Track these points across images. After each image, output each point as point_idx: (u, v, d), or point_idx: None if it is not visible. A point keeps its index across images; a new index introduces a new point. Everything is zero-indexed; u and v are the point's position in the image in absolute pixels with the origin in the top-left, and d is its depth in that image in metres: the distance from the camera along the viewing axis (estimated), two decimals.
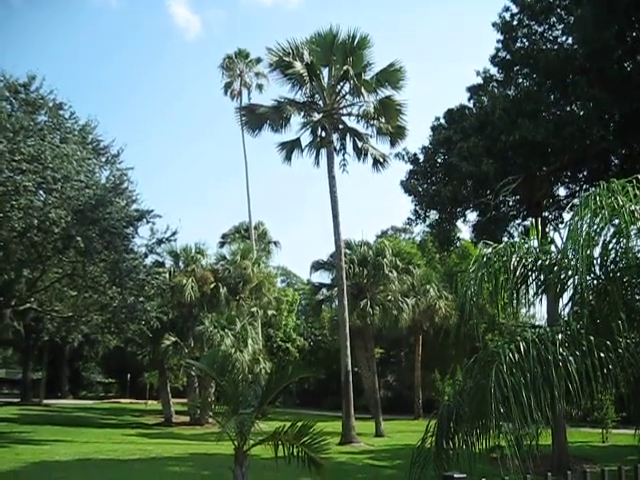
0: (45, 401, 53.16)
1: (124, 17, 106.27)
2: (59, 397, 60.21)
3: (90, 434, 28.58)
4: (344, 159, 30.78)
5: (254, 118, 31.02)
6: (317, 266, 38.93)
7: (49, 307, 31.91)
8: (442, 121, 23.86)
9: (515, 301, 7.91)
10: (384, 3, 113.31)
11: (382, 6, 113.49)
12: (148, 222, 28.99)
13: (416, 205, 23.82)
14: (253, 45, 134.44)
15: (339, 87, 30.06)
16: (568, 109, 20.08)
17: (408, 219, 24.45)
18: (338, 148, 30.66)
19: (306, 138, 30.88)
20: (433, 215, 24.46)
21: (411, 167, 24.17)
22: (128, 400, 60.51)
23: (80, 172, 25.43)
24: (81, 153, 26.08)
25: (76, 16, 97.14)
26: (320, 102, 30.46)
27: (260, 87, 50.21)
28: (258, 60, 49.17)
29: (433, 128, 23.97)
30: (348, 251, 36.44)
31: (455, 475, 4.81)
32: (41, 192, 24.61)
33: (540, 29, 21.14)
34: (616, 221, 6.91)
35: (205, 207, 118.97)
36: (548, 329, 6.99)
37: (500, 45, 21.73)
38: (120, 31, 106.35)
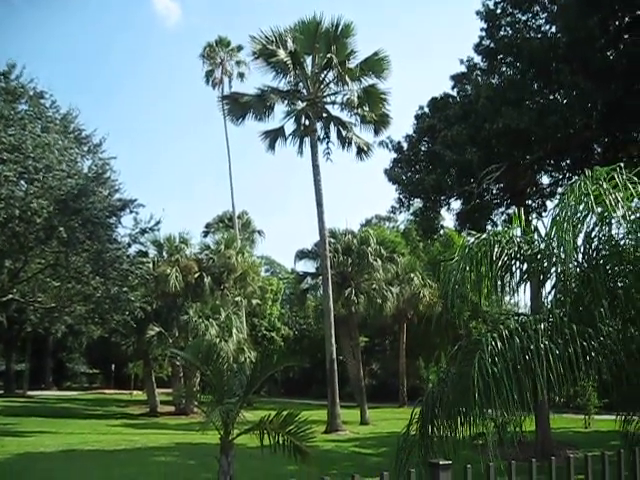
0: (29, 392, 52.88)
1: (102, 4, 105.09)
2: (43, 388, 59.85)
3: (75, 425, 28.50)
4: (328, 148, 30.77)
5: (237, 107, 30.88)
6: (301, 255, 39.00)
7: (32, 298, 31.66)
8: (426, 110, 23.86)
9: (499, 289, 7.95)
10: None
11: None
12: (131, 212, 28.85)
13: (400, 193, 23.83)
14: (234, 32, 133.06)
15: (323, 75, 29.98)
16: (551, 97, 20.15)
17: (392, 207, 24.47)
18: (322, 137, 30.63)
19: (290, 127, 30.86)
20: (417, 203, 24.51)
21: (395, 155, 24.18)
22: (113, 391, 60.30)
23: (62, 162, 25.22)
24: (63, 142, 25.85)
25: (50, 5, 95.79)
26: (304, 90, 30.38)
27: (241, 75, 49.92)
28: (239, 48, 48.83)
29: (417, 117, 23.97)
30: (332, 240, 36.47)
31: (440, 462, 4.82)
32: (22, 182, 24.38)
33: (524, 17, 21.17)
34: (599, 209, 6.95)
35: (189, 197, 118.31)
36: (531, 317, 7.03)
37: (484, 33, 21.73)
38: (99, 19, 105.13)
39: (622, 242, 7.05)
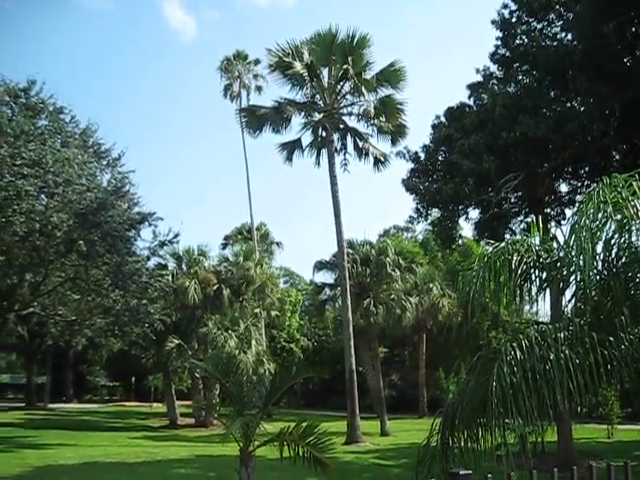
0: (50, 405, 53.18)
1: (118, 20, 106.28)
2: (64, 401, 60.18)
3: (96, 437, 28.60)
4: (345, 159, 30.86)
5: (255, 119, 31.03)
6: (320, 266, 38.94)
7: (52, 311, 31.92)
8: (443, 119, 23.83)
9: (518, 299, 7.90)
10: (380, 3, 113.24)
11: (380, 4, 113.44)
12: (150, 225, 29.07)
13: (418, 203, 23.78)
14: (249, 45, 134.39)
15: (339, 87, 30.08)
16: (568, 105, 20.07)
17: (410, 217, 24.41)
18: (339, 148, 30.73)
19: (307, 138, 30.98)
20: (435, 213, 24.45)
21: (412, 165, 24.15)
22: (133, 403, 60.48)
23: (81, 176, 25.46)
24: (82, 157, 26.12)
25: (70, 20, 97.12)
26: (320, 102, 30.48)
27: (259, 89, 50.26)
28: (257, 61, 49.21)
29: (434, 126, 23.95)
30: (351, 251, 36.43)
31: (460, 472, 4.80)
32: (43, 196, 24.64)
33: (539, 26, 21.12)
34: (618, 216, 6.89)
35: (207, 209, 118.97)
36: (550, 326, 6.97)
37: (499, 42, 21.71)
38: (116, 34, 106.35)
39: None
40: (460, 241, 30.41)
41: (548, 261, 7.58)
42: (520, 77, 21.70)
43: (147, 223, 28.82)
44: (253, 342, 35.16)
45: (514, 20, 21.30)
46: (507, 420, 6.16)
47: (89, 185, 25.82)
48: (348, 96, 30.35)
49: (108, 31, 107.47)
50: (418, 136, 28.43)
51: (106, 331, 31.83)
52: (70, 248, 25.84)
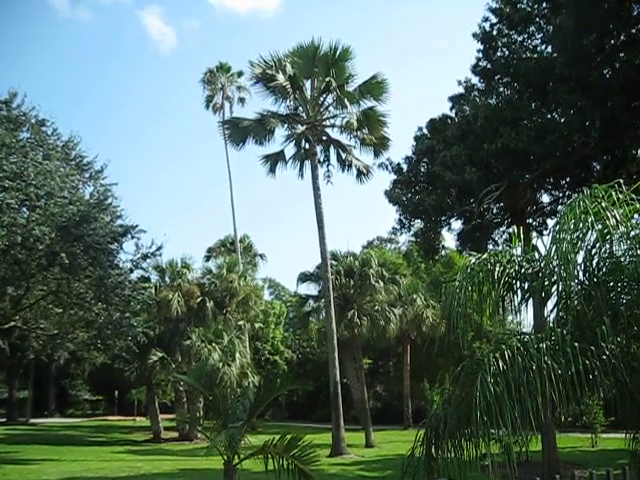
0: (32, 420, 52.67)
1: (97, 30, 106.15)
2: (46, 416, 59.63)
3: (78, 452, 28.32)
4: (328, 170, 30.85)
5: (238, 131, 31.01)
6: (304, 278, 38.91)
7: (34, 325, 31.63)
8: (425, 131, 23.99)
9: (501, 309, 7.94)
10: (361, 14, 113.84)
11: (360, 17, 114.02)
12: (133, 237, 28.88)
13: (401, 214, 23.89)
14: (230, 55, 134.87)
15: (322, 99, 30.15)
16: (549, 117, 20.24)
17: (393, 229, 24.53)
18: (322, 160, 30.73)
19: (290, 150, 30.97)
20: (418, 224, 24.55)
21: (395, 177, 24.27)
22: (116, 417, 60.09)
23: (64, 188, 25.31)
24: (64, 169, 25.98)
25: (47, 30, 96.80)
26: (303, 114, 30.53)
27: (242, 100, 50.42)
28: (240, 73, 49.34)
29: (416, 138, 24.10)
30: (334, 262, 36.45)
31: None
32: (24, 209, 24.46)
33: (520, 38, 21.33)
34: (599, 226, 6.96)
35: (190, 221, 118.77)
36: (533, 336, 7.01)
37: (481, 55, 21.90)
38: (94, 45, 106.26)
39: (623, 259, 7.06)
40: (443, 252, 30.50)
41: (530, 271, 7.65)
42: (501, 89, 21.88)
43: (130, 236, 28.66)
44: (237, 355, 35.02)
45: (495, 33, 21.51)
46: (492, 430, 6.19)
47: (71, 198, 25.66)
48: (331, 108, 30.43)
49: (86, 41, 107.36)
50: (400, 148, 28.63)
51: (89, 345, 31.60)
52: (52, 261, 25.65)
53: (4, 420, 51.57)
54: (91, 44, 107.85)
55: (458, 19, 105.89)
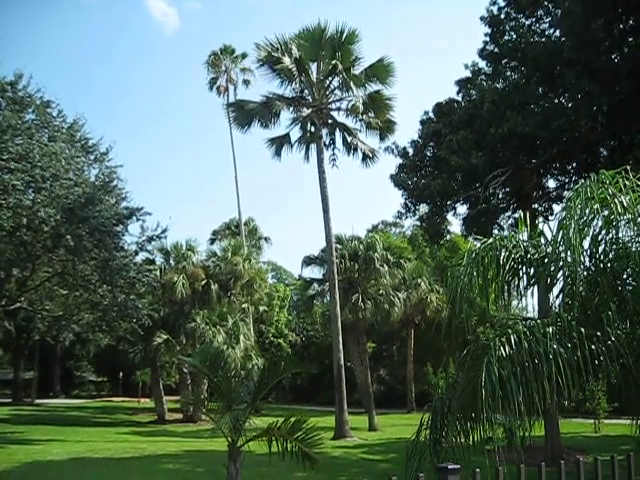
0: (37, 401, 53.01)
1: (101, 12, 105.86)
2: (51, 397, 60.04)
3: (83, 433, 28.52)
4: (334, 154, 30.80)
5: (243, 114, 30.92)
6: (308, 261, 38.99)
7: (40, 306, 31.80)
8: (431, 115, 23.87)
9: (506, 294, 7.93)
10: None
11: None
12: (138, 220, 28.99)
13: (406, 199, 23.82)
14: (233, 36, 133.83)
15: (328, 82, 30.03)
16: (556, 101, 20.11)
17: (398, 212, 24.44)
18: (328, 143, 30.69)
19: (295, 133, 30.96)
20: (423, 208, 24.48)
21: (401, 161, 24.19)
22: (121, 398, 60.38)
23: (69, 170, 25.35)
24: (69, 151, 26.01)
25: (52, 13, 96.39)
26: (309, 97, 30.42)
27: (247, 82, 50.16)
28: (244, 55, 49.15)
29: (422, 122, 23.98)
30: (339, 246, 36.46)
31: (449, 466, 4.82)
32: (30, 191, 24.51)
33: (527, 22, 21.18)
34: (605, 212, 6.94)
35: (195, 204, 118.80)
36: (539, 321, 7.01)
37: (488, 38, 21.74)
38: (99, 27, 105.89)
39: (629, 245, 7.03)
40: (448, 237, 30.46)
41: (536, 257, 7.63)
42: (508, 73, 21.75)
43: (135, 218, 28.75)
44: (241, 337, 35.18)
45: (502, 16, 21.35)
46: (497, 415, 6.20)
47: (76, 180, 25.71)
48: (337, 91, 30.33)
49: (91, 23, 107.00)
50: (407, 132, 28.57)
51: (94, 326, 31.76)
52: (57, 243, 25.73)
53: (10, 401, 51.88)
54: (95, 26, 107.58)
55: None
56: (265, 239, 63.10)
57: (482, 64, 22.56)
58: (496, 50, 21.60)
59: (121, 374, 59.46)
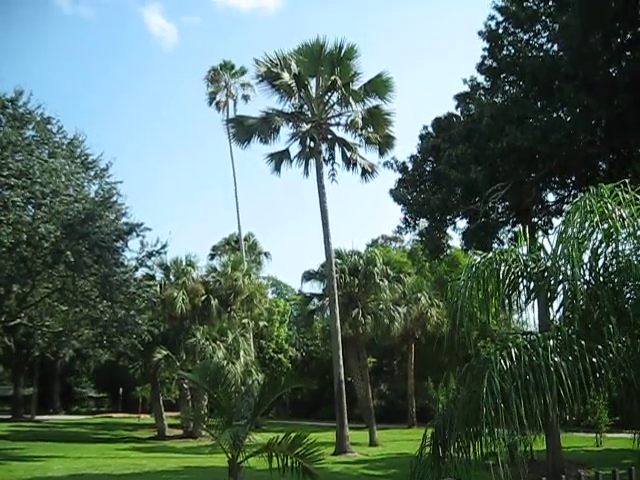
0: (37, 417, 52.75)
1: (100, 27, 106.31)
2: (51, 413, 59.77)
3: (83, 449, 28.38)
4: (333, 169, 30.84)
5: (242, 130, 31.00)
6: (308, 276, 38.95)
7: (39, 322, 31.71)
8: (430, 129, 23.94)
9: (507, 308, 7.93)
10: (361, 14, 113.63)
11: (365, 15, 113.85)
12: (138, 235, 28.96)
13: (406, 213, 23.84)
14: (232, 52, 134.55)
15: (327, 97, 30.13)
16: (555, 115, 20.17)
17: (398, 227, 24.46)
18: (327, 158, 30.74)
19: (295, 149, 30.99)
20: (423, 223, 24.47)
21: (400, 176, 24.22)
22: (121, 414, 60.16)
23: (69, 186, 25.37)
24: (69, 167, 26.04)
25: (50, 28, 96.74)
26: (308, 112, 30.51)
27: (246, 98, 50.36)
28: (243, 71, 49.43)
29: (421, 137, 24.05)
30: (339, 261, 36.47)
31: None
32: (30, 207, 24.52)
33: (525, 37, 21.28)
34: (605, 225, 6.95)
35: (195, 220, 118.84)
36: (539, 335, 7.00)
37: (486, 53, 21.83)
38: (97, 42, 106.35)
39: (629, 258, 7.04)
40: (448, 251, 30.47)
41: (536, 271, 7.64)
42: (507, 88, 21.83)
43: (135, 234, 28.73)
44: (241, 353, 35.09)
45: (501, 31, 21.44)
46: (498, 430, 6.18)
47: (76, 196, 25.72)
48: (336, 106, 30.41)
49: (89, 39, 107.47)
50: (406, 147, 28.64)
51: (94, 342, 31.66)
52: (57, 259, 25.71)
53: (9, 417, 51.62)
54: (93, 41, 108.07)
55: (458, 19, 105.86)
56: (265, 254, 63.09)
57: (481, 79, 22.66)
58: (494, 65, 21.68)
59: (121, 390, 59.23)
